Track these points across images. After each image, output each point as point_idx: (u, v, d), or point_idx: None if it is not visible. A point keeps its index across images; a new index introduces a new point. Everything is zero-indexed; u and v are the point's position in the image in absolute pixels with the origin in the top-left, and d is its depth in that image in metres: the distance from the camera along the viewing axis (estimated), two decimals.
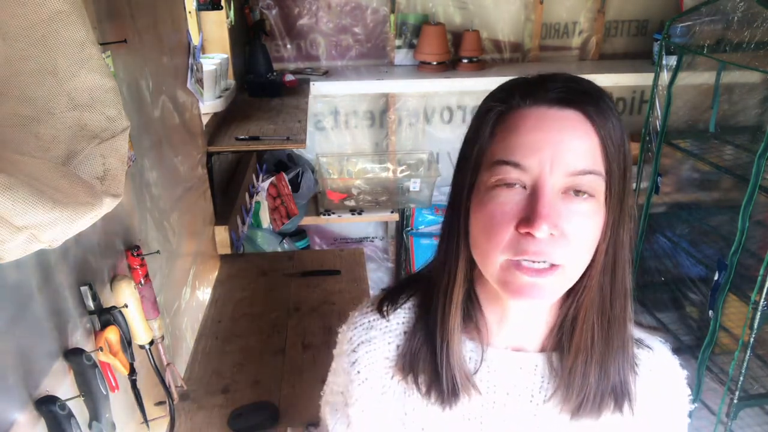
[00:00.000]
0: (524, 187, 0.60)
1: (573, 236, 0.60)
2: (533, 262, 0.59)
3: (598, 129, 0.60)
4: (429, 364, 0.70)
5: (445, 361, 0.68)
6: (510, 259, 0.60)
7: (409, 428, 0.72)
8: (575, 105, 0.60)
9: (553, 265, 0.60)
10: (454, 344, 0.68)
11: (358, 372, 0.73)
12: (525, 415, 0.71)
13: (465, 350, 0.70)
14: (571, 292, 0.66)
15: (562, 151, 0.59)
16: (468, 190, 0.65)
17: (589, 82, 0.63)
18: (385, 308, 0.76)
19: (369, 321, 0.75)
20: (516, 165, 0.59)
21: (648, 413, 0.72)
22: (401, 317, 0.75)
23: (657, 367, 0.73)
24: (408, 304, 0.75)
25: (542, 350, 0.71)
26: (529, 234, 0.58)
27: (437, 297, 0.70)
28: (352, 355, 0.74)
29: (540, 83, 0.62)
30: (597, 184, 0.60)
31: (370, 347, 0.73)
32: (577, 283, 0.65)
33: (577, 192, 0.60)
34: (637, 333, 0.74)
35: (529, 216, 0.58)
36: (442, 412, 0.70)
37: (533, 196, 0.59)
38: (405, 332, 0.73)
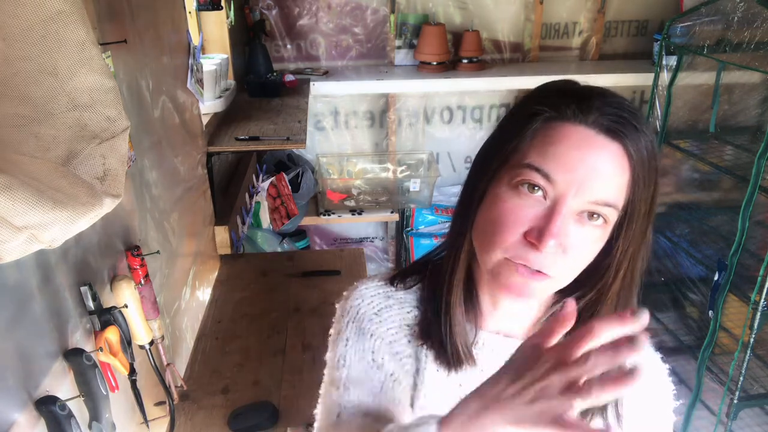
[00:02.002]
0: (544, 198, 0.61)
1: (572, 254, 0.62)
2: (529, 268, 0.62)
3: (634, 167, 0.62)
4: (437, 334, 0.72)
5: (448, 331, 0.71)
6: (508, 259, 0.63)
7: (419, 398, 0.73)
8: (621, 138, 0.61)
9: (544, 274, 0.62)
10: (455, 317, 0.71)
11: (388, 329, 0.74)
12: None
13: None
14: (566, 294, 0.69)
15: (593, 179, 0.60)
16: (488, 180, 0.66)
17: (638, 114, 0.63)
18: (396, 283, 0.78)
19: (385, 291, 0.77)
20: (545, 175, 0.61)
21: (633, 405, 0.73)
22: (412, 295, 0.77)
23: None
24: (416, 287, 0.77)
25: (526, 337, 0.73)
26: (533, 245, 0.60)
27: (443, 274, 0.72)
28: (374, 317, 0.75)
29: (596, 102, 0.62)
30: (612, 216, 0.63)
31: (391, 312, 0.75)
32: (589, 300, 0.68)
33: (592, 215, 0.62)
34: None
35: (541, 229, 0.60)
36: (447, 379, 0.72)
37: (550, 211, 0.61)
38: (417, 307, 0.76)
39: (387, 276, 0.80)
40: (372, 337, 0.74)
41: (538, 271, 0.62)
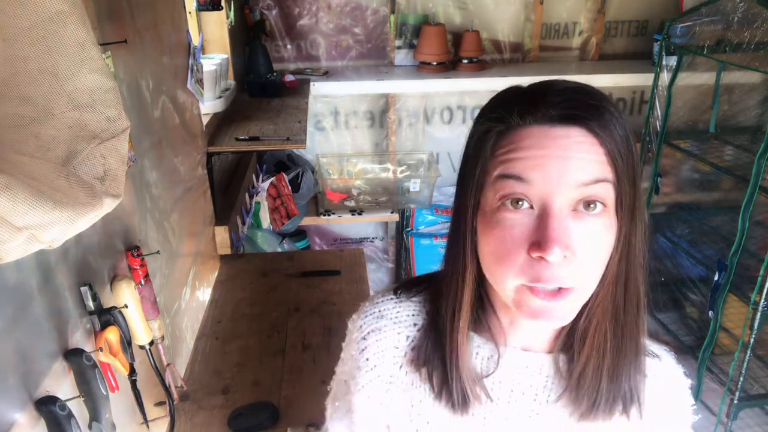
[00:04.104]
0: (531, 207, 0.58)
1: (586, 256, 0.58)
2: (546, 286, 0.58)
3: (603, 142, 0.58)
4: (440, 369, 0.70)
5: (455, 373, 0.68)
6: (523, 284, 0.59)
7: (414, 420, 0.72)
8: (578, 121, 0.57)
9: (563, 289, 0.58)
10: (463, 355, 0.68)
11: (367, 359, 0.73)
12: (528, 413, 0.71)
13: (475, 347, 0.70)
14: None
15: (568, 166, 0.56)
16: (473, 210, 0.63)
17: (591, 91, 0.60)
18: (399, 291, 0.76)
19: (379, 311, 0.75)
20: (519, 179, 0.57)
21: (652, 419, 0.72)
22: (411, 309, 0.75)
23: (662, 374, 0.73)
24: (418, 298, 0.76)
25: (550, 351, 0.71)
26: (541, 258, 0.56)
27: (446, 308, 0.69)
28: (361, 342, 0.74)
29: (539, 98, 0.59)
30: (607, 192, 0.58)
31: (380, 335, 0.74)
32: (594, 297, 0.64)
33: (588, 205, 0.58)
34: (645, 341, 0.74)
35: (540, 240, 0.56)
36: (451, 411, 0.71)
37: (542, 218, 0.57)
38: (415, 324, 0.74)
39: (392, 288, 0.78)
40: (353, 362, 0.75)
41: (557, 291, 0.58)
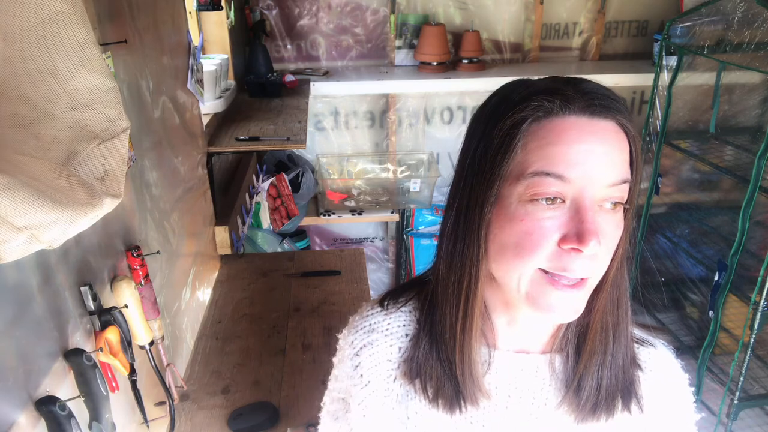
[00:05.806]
0: (563, 201, 0.58)
1: (606, 247, 0.59)
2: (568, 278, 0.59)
3: (630, 138, 0.60)
4: (436, 372, 0.69)
5: (460, 372, 0.67)
6: (544, 270, 0.59)
7: (411, 431, 0.72)
8: (611, 114, 0.58)
9: (582, 279, 0.59)
10: (470, 355, 0.67)
11: (361, 376, 0.73)
12: (527, 418, 0.71)
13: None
14: None
15: (604, 163, 0.57)
16: (491, 203, 0.61)
17: (611, 91, 0.61)
18: (386, 303, 0.76)
19: (370, 324, 0.75)
20: (558, 177, 0.57)
21: (654, 415, 0.72)
22: (401, 319, 0.74)
23: (659, 366, 0.73)
24: (408, 307, 0.75)
25: (545, 352, 0.71)
26: (575, 250, 0.57)
27: (447, 312, 0.67)
28: (354, 359, 0.74)
29: (569, 90, 0.59)
30: (626, 193, 0.60)
31: (372, 350, 0.73)
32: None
33: (613, 203, 0.59)
34: (640, 333, 0.75)
35: (577, 232, 0.57)
36: (448, 417, 0.70)
37: (577, 211, 0.57)
38: (406, 335, 0.73)
39: (378, 298, 0.77)
40: (348, 379, 0.75)
41: (576, 283, 0.59)
